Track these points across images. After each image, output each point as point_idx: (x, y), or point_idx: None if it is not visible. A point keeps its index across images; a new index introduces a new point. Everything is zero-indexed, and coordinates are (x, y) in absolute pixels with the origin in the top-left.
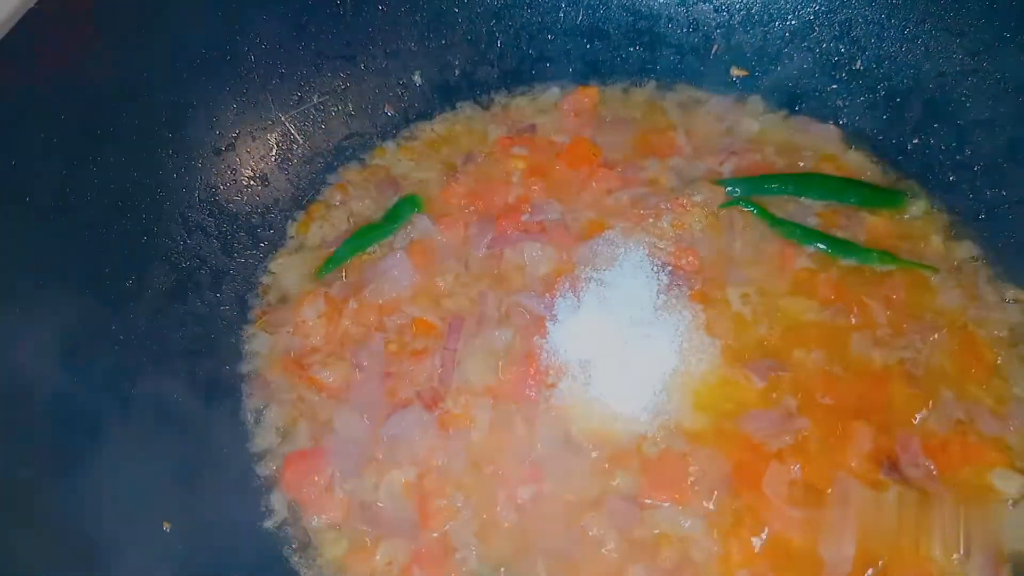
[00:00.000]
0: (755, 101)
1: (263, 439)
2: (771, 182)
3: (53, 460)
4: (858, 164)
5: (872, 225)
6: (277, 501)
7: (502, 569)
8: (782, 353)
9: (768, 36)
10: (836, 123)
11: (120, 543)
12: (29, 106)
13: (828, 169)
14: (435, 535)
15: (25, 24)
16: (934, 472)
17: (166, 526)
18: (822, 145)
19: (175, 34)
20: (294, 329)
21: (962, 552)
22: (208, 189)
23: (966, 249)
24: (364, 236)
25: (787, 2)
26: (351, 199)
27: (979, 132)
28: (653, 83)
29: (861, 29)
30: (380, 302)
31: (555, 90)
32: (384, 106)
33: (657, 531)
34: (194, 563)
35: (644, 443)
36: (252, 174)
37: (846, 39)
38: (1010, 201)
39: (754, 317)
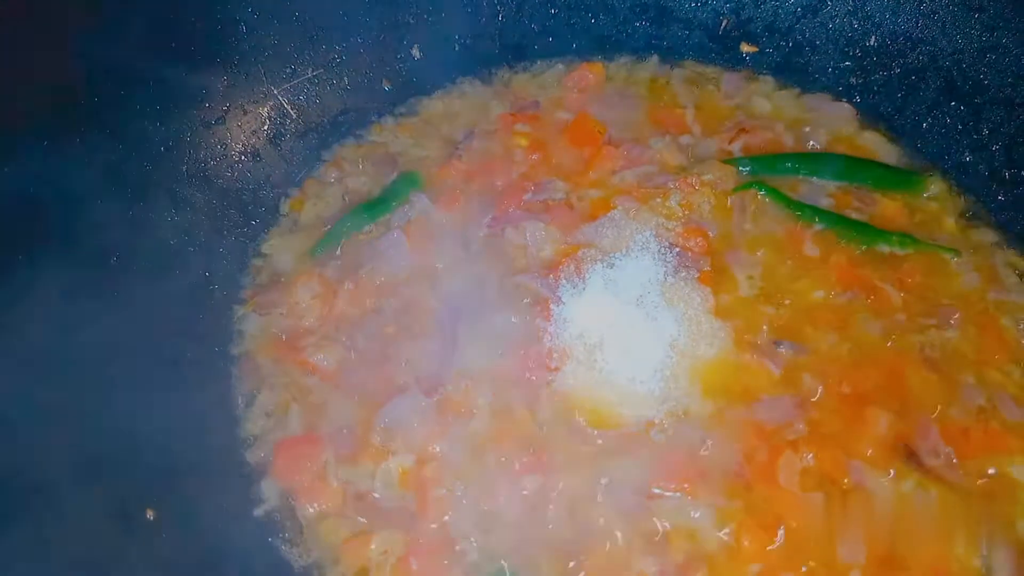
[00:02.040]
0: (766, 78)
1: (254, 424)
2: (784, 162)
3: (34, 445)
4: (873, 144)
5: (885, 207)
6: (268, 489)
7: (504, 562)
8: (794, 338)
9: (779, 11)
10: (850, 102)
11: (100, 530)
12: (10, 76)
13: (842, 149)
14: (434, 526)
15: None
16: (954, 460)
17: (149, 514)
18: (835, 124)
19: (163, 2)
20: (287, 310)
21: (983, 545)
22: (197, 164)
23: (983, 231)
24: (360, 214)
25: None
26: (347, 176)
27: (997, 111)
28: (660, 59)
29: (875, 4)
30: (377, 283)
31: (559, 66)
32: (381, 81)
33: (666, 522)
34: (179, 553)
35: (652, 430)
36: (243, 149)
37: (860, 14)
38: None
39: (765, 301)
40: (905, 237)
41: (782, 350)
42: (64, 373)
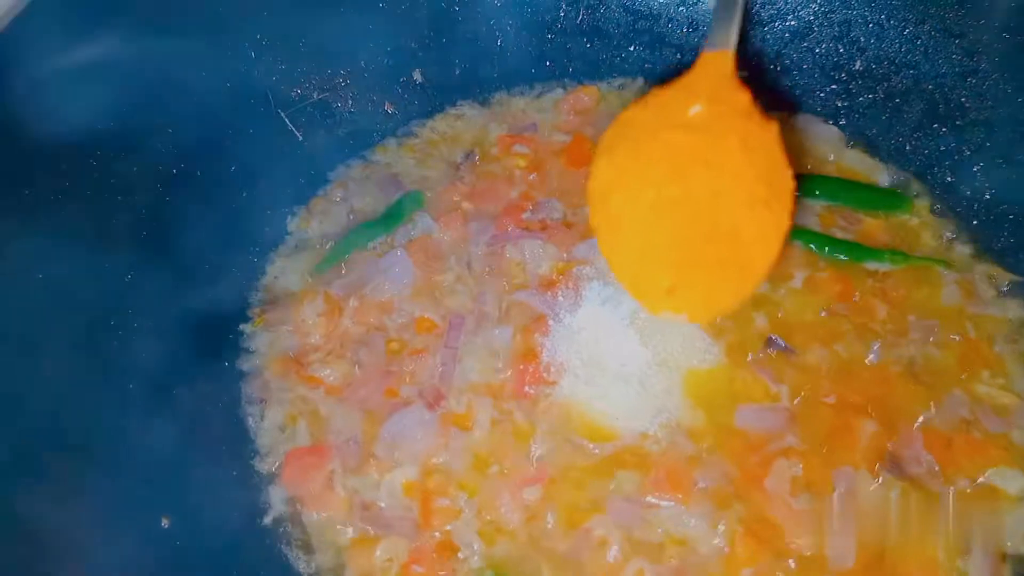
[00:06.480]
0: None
1: (263, 436)
2: None
3: (50, 456)
4: (859, 164)
5: (869, 225)
6: (276, 497)
7: (505, 570)
8: (784, 351)
9: (768, 37)
10: (836, 124)
11: (119, 538)
12: (28, 103)
13: (829, 170)
14: (437, 534)
15: (21, 21)
16: (936, 469)
17: (165, 522)
18: (822, 145)
19: (172, 27)
20: (294, 327)
21: (964, 551)
22: (207, 184)
23: (962, 248)
24: (365, 232)
25: (786, 3)
26: (352, 196)
27: (978, 132)
28: (653, 82)
29: (860, 30)
30: (380, 300)
31: (556, 89)
32: (385, 104)
33: (661, 531)
34: (192, 558)
35: (646, 441)
36: (252, 170)
37: (845, 40)
38: (1008, 200)
39: (757, 315)
40: (896, 253)
41: (772, 363)
42: (76, 387)
